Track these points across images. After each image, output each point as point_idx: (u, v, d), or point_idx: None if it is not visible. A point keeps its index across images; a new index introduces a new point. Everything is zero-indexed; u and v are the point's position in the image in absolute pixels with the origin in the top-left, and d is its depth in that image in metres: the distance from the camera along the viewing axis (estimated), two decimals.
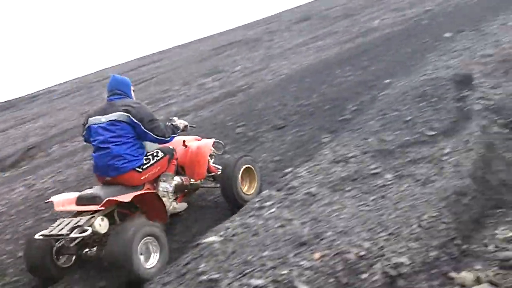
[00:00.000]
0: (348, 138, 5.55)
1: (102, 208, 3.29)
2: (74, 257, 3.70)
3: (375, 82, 8.03)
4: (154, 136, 3.66)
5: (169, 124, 3.94)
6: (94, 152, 3.63)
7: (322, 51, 12.74)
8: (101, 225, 3.22)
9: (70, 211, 3.51)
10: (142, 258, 3.21)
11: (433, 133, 5.08)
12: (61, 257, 3.63)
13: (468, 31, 9.54)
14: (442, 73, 6.66)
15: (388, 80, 7.79)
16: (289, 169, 5.03)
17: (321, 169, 4.60)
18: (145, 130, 3.60)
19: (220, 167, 4.41)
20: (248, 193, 4.28)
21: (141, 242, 3.18)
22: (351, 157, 4.86)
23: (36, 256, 3.46)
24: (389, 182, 4.13)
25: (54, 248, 3.53)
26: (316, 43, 14.36)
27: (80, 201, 3.39)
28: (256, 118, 7.65)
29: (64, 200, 3.52)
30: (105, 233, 3.27)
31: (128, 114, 3.55)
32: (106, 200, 3.26)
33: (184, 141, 4.26)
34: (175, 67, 17.05)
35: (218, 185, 4.34)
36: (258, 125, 7.33)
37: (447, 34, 9.80)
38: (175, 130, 3.92)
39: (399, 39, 10.99)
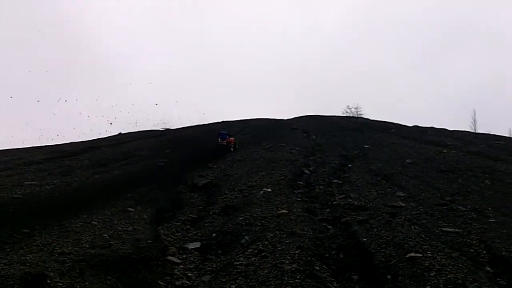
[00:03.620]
0: None
1: (228, 141, 24.32)
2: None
3: None
4: (230, 134, 25.39)
5: (231, 134, 26.05)
6: (220, 136, 24.64)
7: None
8: (227, 142, 23.84)
9: (219, 142, 23.90)
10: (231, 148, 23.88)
11: None
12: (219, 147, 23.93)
13: (53, 226, 9.04)
14: (14, 270, 6.04)
15: None
16: None
17: None
18: (228, 134, 25.21)
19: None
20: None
21: (232, 146, 24.09)
22: None
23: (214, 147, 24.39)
24: None
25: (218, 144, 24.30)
26: None
27: (220, 142, 24.18)
28: None
29: (219, 140, 24.10)
30: (226, 145, 23.78)
31: (227, 132, 25.57)
32: (226, 140, 24.36)
33: (230, 137, 24.95)
34: None
35: (233, 145, 24.12)
36: None
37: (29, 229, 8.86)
38: (231, 135, 25.53)
39: None
